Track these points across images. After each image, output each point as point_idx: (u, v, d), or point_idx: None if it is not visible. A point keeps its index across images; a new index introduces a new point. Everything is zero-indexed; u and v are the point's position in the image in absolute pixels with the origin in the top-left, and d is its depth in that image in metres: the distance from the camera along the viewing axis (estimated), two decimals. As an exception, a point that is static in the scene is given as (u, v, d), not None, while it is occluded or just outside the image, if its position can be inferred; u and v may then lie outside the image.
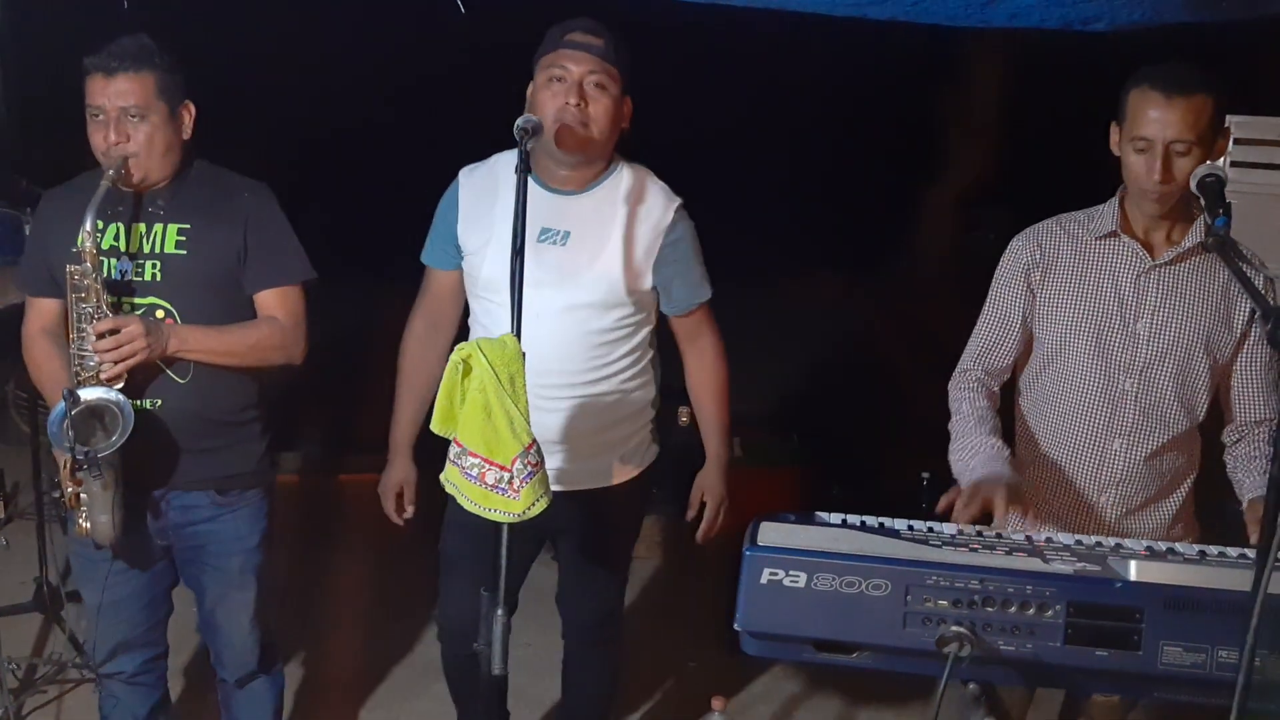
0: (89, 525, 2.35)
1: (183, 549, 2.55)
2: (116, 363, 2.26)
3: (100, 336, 2.25)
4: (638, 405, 2.56)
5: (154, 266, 2.38)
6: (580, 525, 2.58)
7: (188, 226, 2.40)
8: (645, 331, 2.52)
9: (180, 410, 2.40)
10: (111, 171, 2.30)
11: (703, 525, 2.66)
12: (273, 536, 2.62)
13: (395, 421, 2.65)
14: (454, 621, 2.66)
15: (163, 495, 2.47)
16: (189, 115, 2.42)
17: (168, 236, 2.39)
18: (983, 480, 2.12)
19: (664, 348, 2.62)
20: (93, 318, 2.27)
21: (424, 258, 2.59)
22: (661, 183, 2.48)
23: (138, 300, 2.37)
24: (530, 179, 2.39)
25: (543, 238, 2.38)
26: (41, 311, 2.48)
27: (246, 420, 2.53)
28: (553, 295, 2.29)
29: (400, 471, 2.66)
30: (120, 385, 2.28)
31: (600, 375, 2.45)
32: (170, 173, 2.41)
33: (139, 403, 2.34)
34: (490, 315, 2.46)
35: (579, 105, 2.30)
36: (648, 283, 2.43)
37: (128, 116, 2.31)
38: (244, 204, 2.46)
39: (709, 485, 2.67)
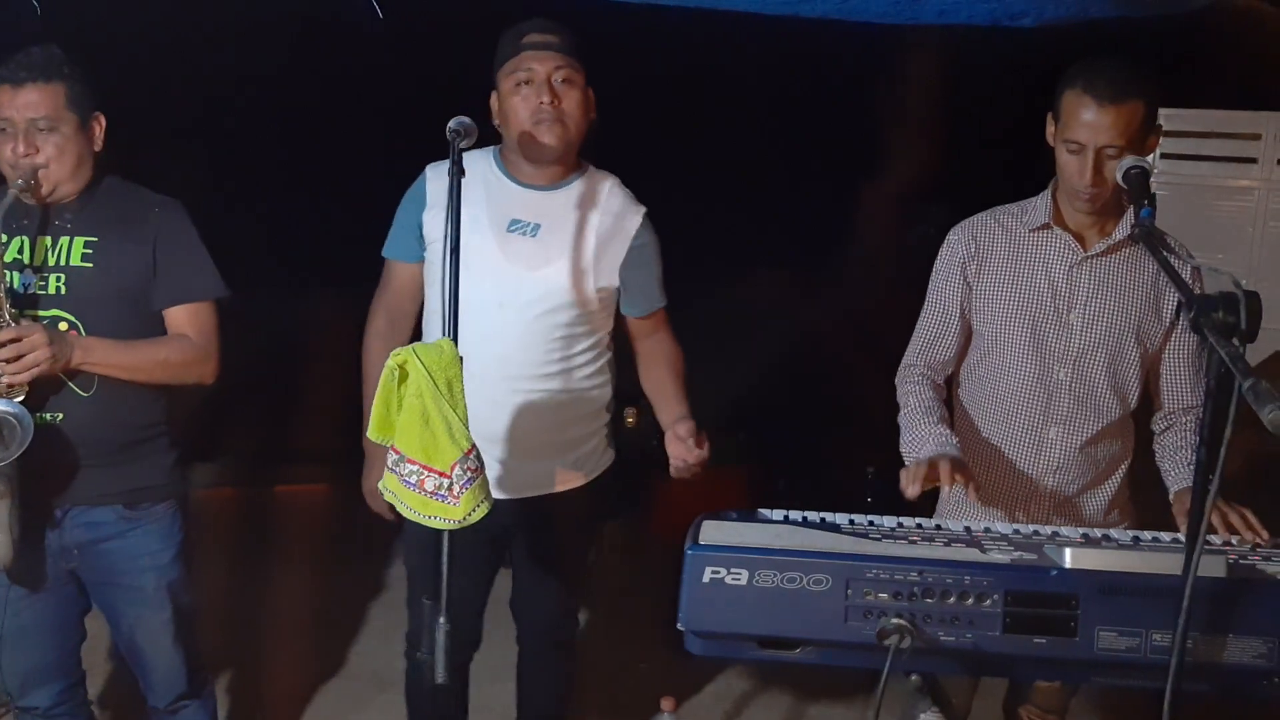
0: None
1: (90, 570, 2.44)
2: (18, 373, 2.19)
3: (1, 346, 2.18)
4: (593, 406, 2.56)
5: (58, 279, 2.32)
6: (534, 532, 2.56)
7: (95, 240, 2.34)
8: (603, 333, 2.53)
9: (83, 424, 2.33)
10: (20, 182, 2.24)
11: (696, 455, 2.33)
12: (190, 553, 2.53)
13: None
14: (417, 636, 2.62)
15: (65, 513, 2.38)
16: (100, 127, 2.37)
17: (74, 249, 2.33)
18: (930, 457, 2.15)
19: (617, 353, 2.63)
20: None
21: (386, 251, 2.58)
22: (627, 190, 2.52)
23: (40, 312, 2.30)
24: (502, 174, 2.45)
25: (513, 228, 2.39)
26: None
27: (153, 435, 2.45)
28: (518, 285, 2.29)
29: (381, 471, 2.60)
30: (20, 397, 2.22)
31: (558, 369, 2.45)
32: (80, 186, 2.36)
33: (39, 415, 2.27)
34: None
35: (553, 103, 2.32)
36: (614, 282, 2.46)
37: (36, 128, 2.26)
38: (154, 219, 2.40)
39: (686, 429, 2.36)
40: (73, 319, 2.32)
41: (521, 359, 2.41)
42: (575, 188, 2.45)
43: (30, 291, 2.31)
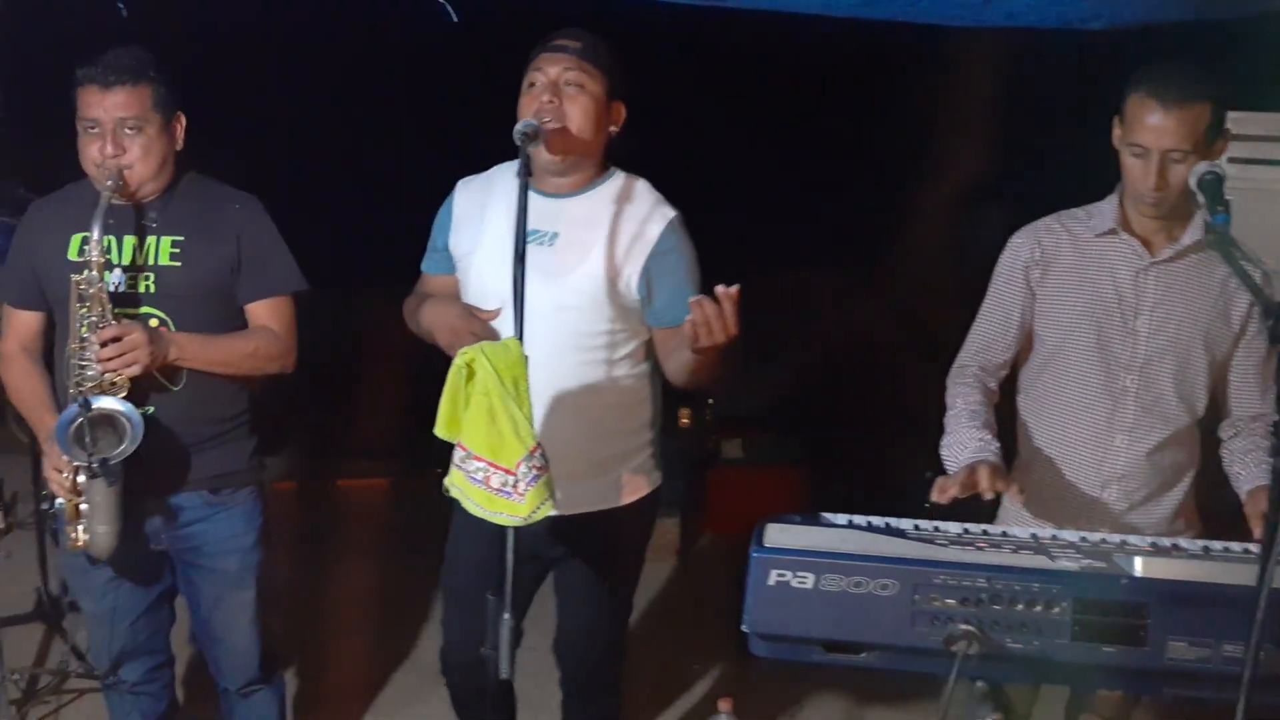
0: (88, 537, 2.33)
1: (177, 552, 2.54)
2: (119, 370, 2.27)
3: (104, 344, 2.26)
4: (635, 421, 2.49)
5: (148, 279, 2.39)
6: (577, 553, 2.51)
7: (181, 239, 2.41)
8: (638, 343, 2.44)
9: (172, 417, 2.42)
10: (110, 183, 2.30)
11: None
12: (269, 538, 2.61)
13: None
14: (457, 653, 2.61)
15: (152, 500, 2.47)
16: (180, 126, 2.44)
17: (161, 249, 2.40)
18: (968, 463, 2.15)
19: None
20: (97, 327, 2.28)
21: (424, 266, 2.60)
22: (657, 195, 2.41)
23: (132, 310, 2.38)
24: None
25: (531, 238, 2.32)
26: (19, 326, 2.48)
27: (236, 425, 2.54)
28: (540, 295, 2.21)
29: None
30: (123, 393, 2.30)
31: (590, 380, 2.39)
32: (163, 184, 2.43)
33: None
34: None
35: (552, 102, 2.28)
36: (632, 291, 2.37)
37: (124, 129, 2.32)
38: (236, 216, 2.48)
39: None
40: (163, 315, 2.40)
41: (550, 368, 2.31)
42: (595, 194, 2.39)
43: (121, 290, 2.38)
